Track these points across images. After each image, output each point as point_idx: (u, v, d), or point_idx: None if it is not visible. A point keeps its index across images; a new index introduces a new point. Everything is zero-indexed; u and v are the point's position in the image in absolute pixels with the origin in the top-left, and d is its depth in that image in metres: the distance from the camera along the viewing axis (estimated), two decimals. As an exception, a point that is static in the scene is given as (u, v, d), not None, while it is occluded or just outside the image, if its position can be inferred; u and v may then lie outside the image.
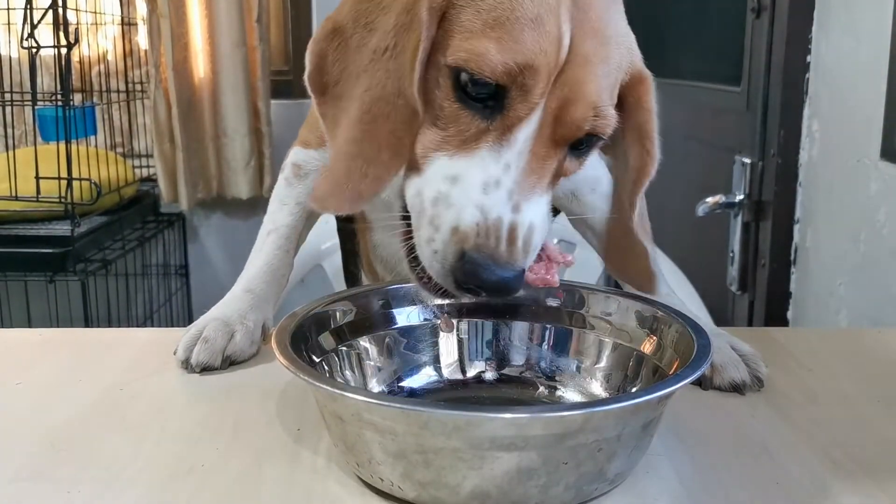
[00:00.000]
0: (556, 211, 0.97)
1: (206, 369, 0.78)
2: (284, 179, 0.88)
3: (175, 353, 0.79)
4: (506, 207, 0.59)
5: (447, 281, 0.60)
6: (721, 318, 1.58)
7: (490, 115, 0.60)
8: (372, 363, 0.70)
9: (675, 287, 0.89)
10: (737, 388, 0.74)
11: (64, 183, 2.07)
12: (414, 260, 0.63)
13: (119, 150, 2.78)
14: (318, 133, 0.85)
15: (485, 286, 0.58)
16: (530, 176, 0.60)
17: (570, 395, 0.70)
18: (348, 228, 1.03)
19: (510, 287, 0.59)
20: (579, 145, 0.64)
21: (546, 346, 0.73)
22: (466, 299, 0.63)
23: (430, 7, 0.59)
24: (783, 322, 1.49)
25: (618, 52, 0.63)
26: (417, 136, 0.62)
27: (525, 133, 0.60)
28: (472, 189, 0.59)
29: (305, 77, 0.65)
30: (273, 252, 0.87)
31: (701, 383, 0.75)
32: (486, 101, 0.60)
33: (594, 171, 0.90)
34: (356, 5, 0.64)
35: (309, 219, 0.89)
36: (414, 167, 0.62)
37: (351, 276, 1.08)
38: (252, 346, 0.81)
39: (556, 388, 0.71)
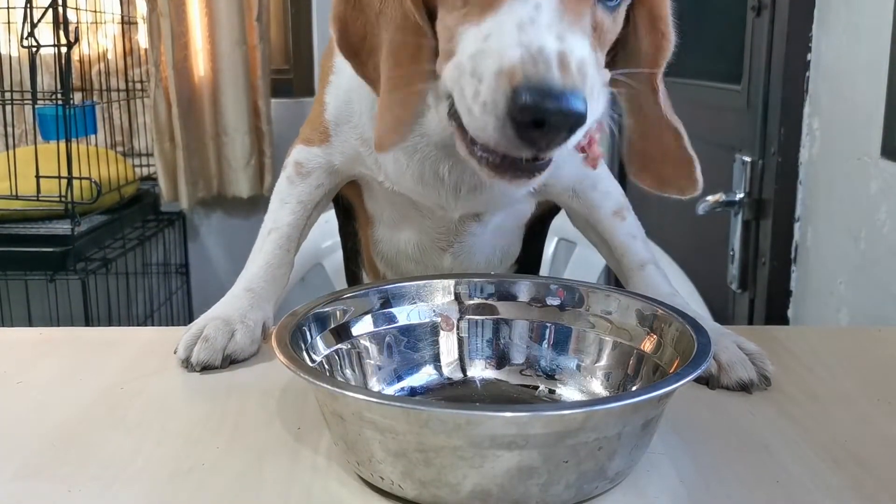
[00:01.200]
0: (556, 208, 0.98)
1: (206, 368, 0.77)
2: (286, 178, 0.88)
3: (175, 352, 0.79)
4: (549, 37, 0.54)
5: (505, 132, 0.55)
6: (721, 317, 1.58)
7: None
8: (372, 362, 0.70)
9: (676, 286, 0.89)
10: (745, 388, 0.74)
11: (64, 182, 2.07)
12: (471, 143, 0.60)
13: (119, 148, 2.78)
14: (320, 130, 0.85)
15: (547, 115, 0.53)
16: (566, 13, 0.57)
17: (570, 393, 0.70)
18: (349, 227, 1.03)
19: (574, 112, 0.53)
20: None
21: (546, 345, 0.73)
22: (529, 154, 0.57)
23: None
24: (783, 320, 1.48)
25: None
26: (445, 25, 0.60)
27: None
28: (506, 34, 0.55)
29: (336, 47, 0.66)
30: (273, 251, 0.87)
31: (708, 382, 0.75)
32: None
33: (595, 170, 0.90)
34: None
35: (310, 217, 0.89)
36: (446, 57, 0.60)
37: (352, 275, 1.08)
38: (252, 345, 0.81)
39: (556, 387, 0.71)
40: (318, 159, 0.86)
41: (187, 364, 0.78)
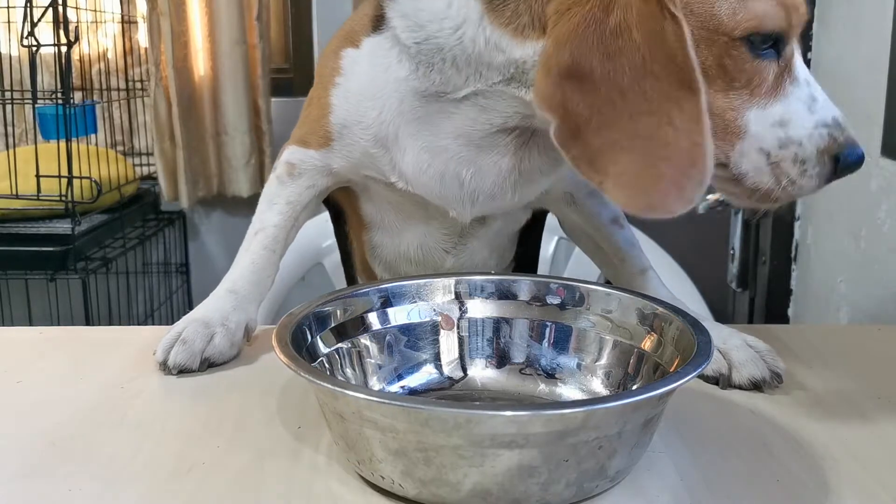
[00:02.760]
0: (546, 211, 0.97)
1: (183, 371, 0.77)
2: (276, 178, 0.87)
3: (154, 354, 0.78)
4: (832, 108, 0.70)
5: (820, 185, 0.71)
6: (721, 316, 1.58)
7: (777, 53, 0.69)
8: (372, 361, 0.70)
9: (676, 285, 0.89)
10: (757, 386, 0.74)
11: (64, 181, 2.07)
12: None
13: (119, 148, 2.78)
14: (320, 133, 0.83)
15: (858, 166, 0.70)
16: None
17: (570, 392, 0.70)
18: (340, 230, 1.02)
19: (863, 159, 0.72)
20: None
21: (546, 344, 0.73)
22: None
23: (673, 4, 0.64)
24: (784, 319, 1.49)
25: None
26: (718, 105, 0.69)
27: (797, 51, 0.71)
28: (804, 118, 0.69)
29: (554, 135, 0.66)
30: (259, 252, 0.85)
31: (718, 382, 0.75)
32: (770, 46, 0.69)
33: None
34: (579, 45, 0.65)
35: (298, 219, 0.88)
36: (730, 133, 0.69)
37: (350, 277, 1.08)
38: (232, 349, 0.80)
39: (556, 386, 0.71)
40: (313, 161, 0.85)
41: (164, 367, 0.77)
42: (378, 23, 0.78)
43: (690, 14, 0.66)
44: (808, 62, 1.40)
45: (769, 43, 0.68)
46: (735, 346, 0.76)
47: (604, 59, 0.65)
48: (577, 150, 0.67)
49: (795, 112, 0.69)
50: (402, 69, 0.77)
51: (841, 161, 0.69)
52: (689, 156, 0.65)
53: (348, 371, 0.68)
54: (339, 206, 0.99)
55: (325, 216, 1.05)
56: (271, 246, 0.86)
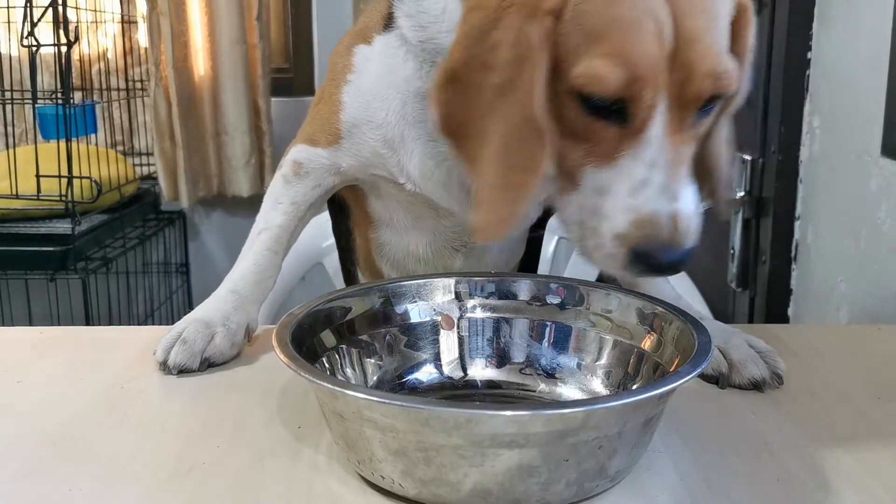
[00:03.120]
0: (551, 211, 0.97)
1: (183, 371, 0.77)
2: (282, 177, 0.87)
3: (154, 354, 0.78)
4: (661, 201, 0.62)
5: (624, 273, 0.65)
6: (722, 315, 1.58)
7: (622, 119, 0.62)
8: (373, 361, 0.70)
9: (676, 285, 0.89)
10: (757, 386, 0.74)
11: (64, 181, 2.07)
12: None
13: (119, 148, 2.78)
14: (329, 131, 0.83)
15: (658, 269, 0.63)
16: (677, 164, 0.63)
17: (570, 392, 0.70)
18: (342, 226, 1.02)
19: (681, 264, 0.63)
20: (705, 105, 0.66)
21: (547, 344, 0.73)
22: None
23: (539, 35, 0.61)
24: (784, 319, 1.48)
25: (723, 3, 0.65)
26: (558, 152, 0.65)
27: (657, 128, 0.62)
28: (619, 197, 0.63)
29: (436, 130, 0.67)
30: (262, 252, 0.85)
31: (717, 381, 0.75)
32: (614, 107, 0.62)
33: None
34: (467, 50, 0.65)
35: (302, 219, 0.88)
36: (571, 182, 0.66)
37: (348, 273, 1.07)
38: (233, 349, 0.80)
39: (556, 385, 0.71)
40: (321, 160, 0.85)
41: (164, 367, 0.77)
42: (389, 21, 0.79)
43: (555, 51, 0.62)
44: (808, 62, 1.40)
45: (609, 105, 0.62)
46: (735, 345, 0.76)
47: (480, 70, 0.64)
48: (456, 150, 0.67)
49: (616, 188, 0.63)
50: (406, 69, 0.77)
51: (631, 254, 0.62)
52: (508, 192, 0.64)
53: (348, 371, 0.68)
54: (344, 202, 0.98)
55: (326, 216, 1.05)
56: (274, 247, 0.86)
